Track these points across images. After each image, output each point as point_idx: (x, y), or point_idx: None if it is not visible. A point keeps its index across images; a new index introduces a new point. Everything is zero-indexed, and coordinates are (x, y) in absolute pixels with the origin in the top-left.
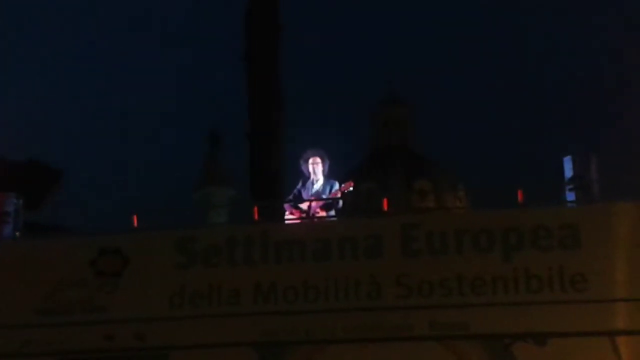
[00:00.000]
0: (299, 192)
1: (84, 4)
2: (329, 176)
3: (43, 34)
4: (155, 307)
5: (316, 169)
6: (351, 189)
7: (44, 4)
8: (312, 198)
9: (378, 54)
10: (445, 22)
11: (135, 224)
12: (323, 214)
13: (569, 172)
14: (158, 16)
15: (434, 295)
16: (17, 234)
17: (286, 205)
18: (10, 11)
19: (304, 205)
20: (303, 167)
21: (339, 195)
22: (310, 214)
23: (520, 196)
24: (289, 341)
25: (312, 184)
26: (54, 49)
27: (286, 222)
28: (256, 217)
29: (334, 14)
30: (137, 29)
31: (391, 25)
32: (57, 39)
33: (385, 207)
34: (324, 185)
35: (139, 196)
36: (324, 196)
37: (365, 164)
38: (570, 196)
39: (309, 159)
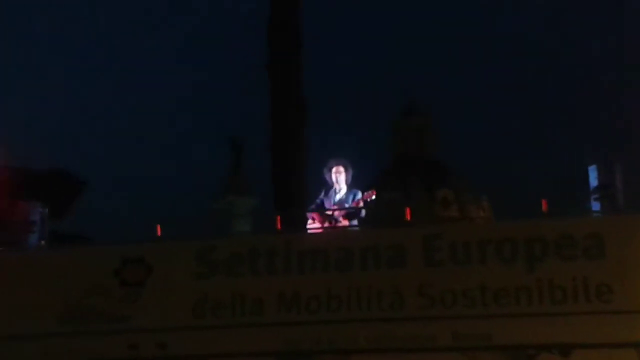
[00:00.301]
0: (322, 201)
1: (104, 17)
2: (351, 185)
3: (69, 46)
4: (178, 317)
5: (339, 177)
6: (374, 198)
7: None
8: (335, 207)
9: (399, 61)
10: (466, 30)
11: (159, 233)
12: (346, 223)
13: (594, 181)
14: (176, 23)
15: (456, 306)
16: (42, 242)
17: (309, 213)
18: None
19: (328, 211)
20: (326, 176)
21: (361, 204)
22: (334, 222)
23: (544, 206)
24: (311, 351)
25: (335, 192)
26: (79, 60)
27: (309, 231)
28: (279, 226)
29: (354, 24)
30: (156, 37)
31: (411, 31)
32: (83, 50)
33: (408, 217)
34: (346, 194)
35: (163, 206)
36: (346, 205)
37: (387, 173)
38: (595, 206)
39: (332, 167)
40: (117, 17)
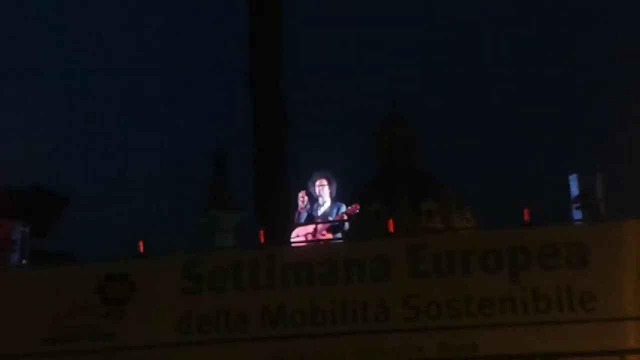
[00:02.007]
0: (303, 214)
1: (82, 27)
2: (336, 198)
3: (46, 58)
4: (163, 333)
5: (322, 191)
6: (357, 211)
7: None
8: (319, 220)
9: (384, 74)
10: (451, 42)
11: (142, 249)
12: (329, 236)
13: (575, 190)
14: (161, 39)
15: (442, 317)
16: (24, 261)
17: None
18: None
19: (310, 227)
20: (311, 189)
21: (345, 218)
22: (316, 236)
23: (526, 215)
24: None
25: (319, 206)
26: (58, 78)
27: (293, 245)
28: (262, 240)
29: (339, 35)
30: (142, 52)
31: (395, 43)
32: (62, 64)
33: (392, 229)
34: (330, 207)
35: (145, 221)
36: (330, 218)
37: (371, 185)
38: (577, 214)
39: (315, 181)
40: (93, 38)
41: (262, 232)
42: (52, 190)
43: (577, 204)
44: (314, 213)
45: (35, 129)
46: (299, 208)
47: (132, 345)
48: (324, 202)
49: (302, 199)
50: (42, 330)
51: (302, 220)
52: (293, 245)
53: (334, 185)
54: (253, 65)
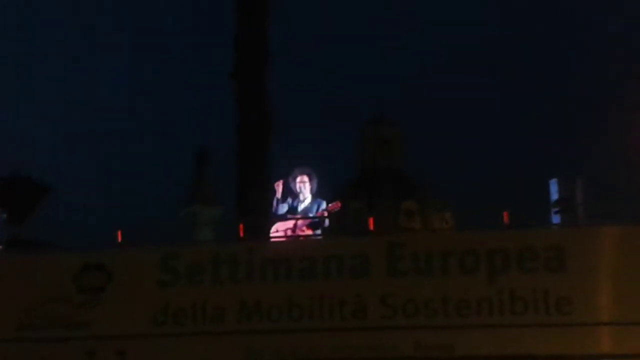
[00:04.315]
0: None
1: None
2: (316, 195)
3: (35, 50)
4: (138, 324)
5: (303, 187)
6: (338, 208)
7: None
8: (299, 216)
9: (368, 72)
10: (439, 42)
11: (120, 239)
12: (309, 232)
13: (554, 194)
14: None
15: (419, 316)
16: (0, 248)
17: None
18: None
19: (290, 223)
20: (291, 185)
21: (326, 214)
22: (296, 232)
23: (506, 218)
24: None
25: (300, 202)
26: (41, 63)
27: (272, 240)
28: (242, 234)
29: (324, 30)
30: (121, 43)
31: (381, 42)
32: (46, 58)
33: (372, 227)
34: (311, 203)
35: (124, 213)
36: (310, 215)
37: (353, 184)
38: (556, 219)
39: (296, 176)
40: (80, 23)
41: (241, 226)
42: (33, 179)
43: (557, 208)
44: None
45: (23, 117)
46: (277, 195)
47: (106, 335)
48: (304, 199)
49: (278, 188)
50: (16, 317)
51: (283, 211)
52: (272, 240)
53: (315, 182)
54: (237, 60)
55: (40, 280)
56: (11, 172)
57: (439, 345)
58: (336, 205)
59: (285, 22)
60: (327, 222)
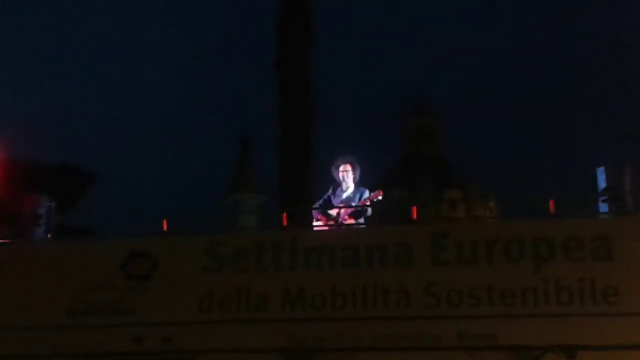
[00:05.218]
0: (329, 198)
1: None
2: (359, 184)
3: (80, 43)
4: (184, 311)
5: (346, 176)
6: (380, 197)
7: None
8: (342, 205)
9: (409, 61)
10: (476, 31)
11: (165, 227)
12: (352, 221)
13: (602, 182)
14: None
15: (462, 305)
16: (49, 236)
17: (314, 212)
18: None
19: (333, 212)
20: (334, 174)
21: (368, 203)
22: (339, 221)
23: (552, 206)
24: (316, 348)
25: (342, 191)
26: (82, 53)
27: (315, 229)
28: (285, 223)
29: (366, 22)
30: (166, 35)
31: (421, 31)
32: (92, 48)
33: (415, 216)
34: (354, 192)
35: (170, 201)
36: (353, 204)
37: (395, 172)
38: (603, 207)
39: (339, 166)
40: (121, 15)
41: (284, 214)
42: (79, 166)
43: (604, 197)
44: (336, 198)
45: (67, 107)
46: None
47: (152, 322)
48: (347, 188)
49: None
50: (65, 303)
51: (340, 200)
52: (315, 229)
53: (358, 171)
54: (282, 48)
55: (88, 268)
56: (57, 160)
57: (482, 335)
58: (378, 193)
59: (328, 13)
60: (369, 211)
